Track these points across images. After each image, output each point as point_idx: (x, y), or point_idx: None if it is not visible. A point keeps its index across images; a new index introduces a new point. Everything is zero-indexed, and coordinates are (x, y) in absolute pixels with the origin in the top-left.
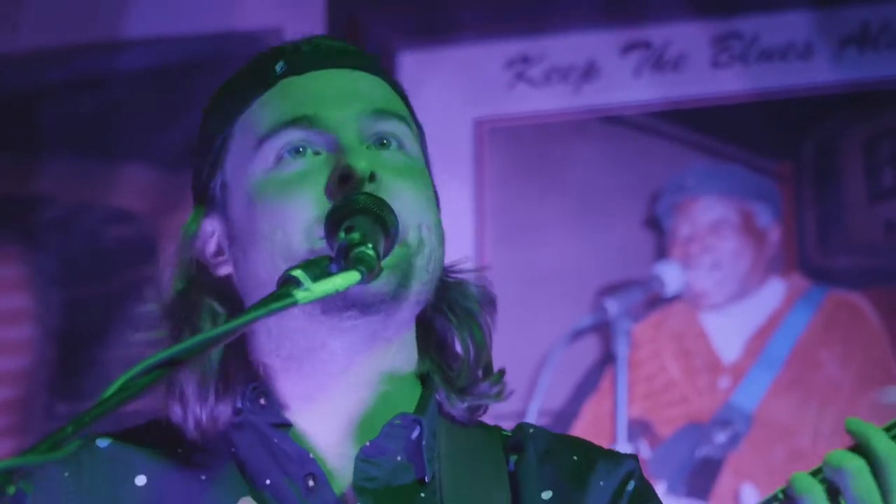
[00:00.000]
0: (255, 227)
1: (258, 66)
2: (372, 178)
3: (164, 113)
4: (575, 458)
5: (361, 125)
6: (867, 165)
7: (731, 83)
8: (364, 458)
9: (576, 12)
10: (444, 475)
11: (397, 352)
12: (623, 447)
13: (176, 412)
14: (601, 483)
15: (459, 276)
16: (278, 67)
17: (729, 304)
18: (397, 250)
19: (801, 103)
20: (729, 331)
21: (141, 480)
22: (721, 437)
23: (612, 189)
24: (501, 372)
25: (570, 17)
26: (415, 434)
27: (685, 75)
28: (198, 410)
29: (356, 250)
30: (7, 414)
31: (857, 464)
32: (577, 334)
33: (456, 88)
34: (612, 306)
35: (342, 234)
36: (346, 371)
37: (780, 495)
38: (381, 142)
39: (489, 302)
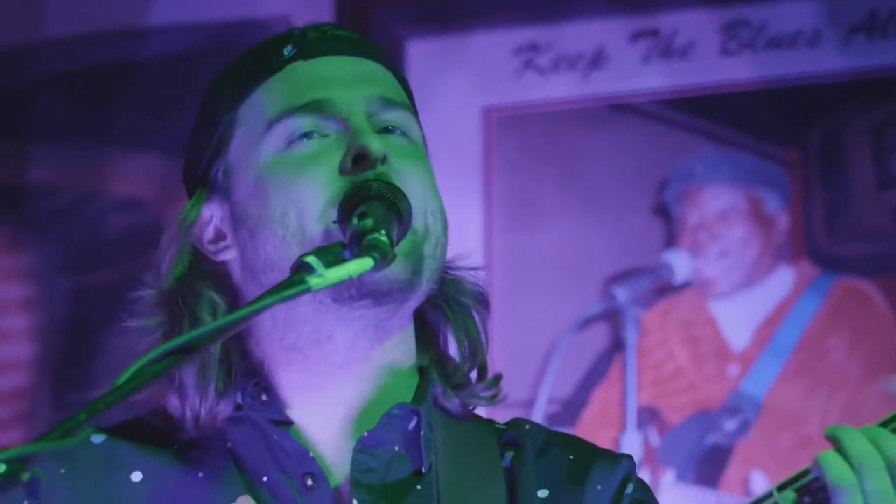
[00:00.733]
0: (266, 209)
1: (263, 51)
2: (384, 160)
3: (170, 101)
4: (571, 457)
5: (371, 109)
6: (875, 152)
7: (739, 71)
8: (362, 448)
9: (584, 0)
10: (441, 467)
11: (398, 344)
12: (632, 434)
13: (174, 404)
14: (598, 487)
15: (457, 272)
16: (286, 52)
17: (737, 292)
18: (409, 237)
19: (810, 91)
20: (738, 318)
21: (137, 476)
22: (730, 425)
23: (621, 177)
24: (497, 377)
25: (578, 5)
26: (412, 424)
27: (693, 63)
28: (197, 405)
29: (369, 237)
30: (14, 403)
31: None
32: (586, 322)
33: (464, 77)
34: (621, 294)
35: (355, 221)
36: (350, 361)
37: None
38: (387, 128)
39: (484, 302)
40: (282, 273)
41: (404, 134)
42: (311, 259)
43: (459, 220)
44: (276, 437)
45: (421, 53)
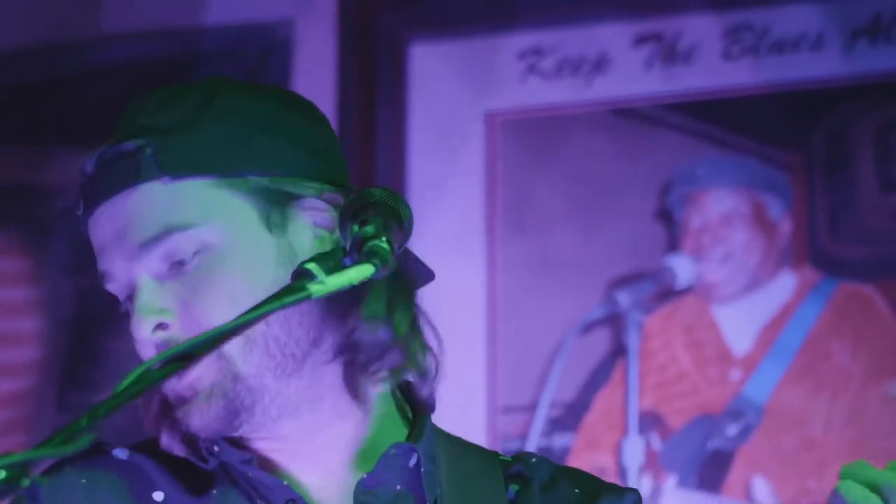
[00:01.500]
0: None
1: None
2: (164, 328)
3: None
4: (577, 490)
5: (145, 264)
6: (878, 156)
7: (742, 75)
8: (364, 489)
9: (587, 4)
10: (445, 502)
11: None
12: (634, 439)
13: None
14: None
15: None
16: (79, 210)
17: (740, 297)
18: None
19: (813, 94)
20: (740, 323)
21: (159, 496)
22: (733, 429)
23: (624, 181)
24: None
25: (581, 9)
26: (412, 462)
27: (696, 67)
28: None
29: (370, 243)
30: (17, 405)
31: None
32: (589, 326)
33: (467, 81)
34: (624, 298)
35: (356, 227)
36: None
37: None
38: (178, 263)
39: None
40: None
41: (196, 254)
42: (311, 266)
43: (462, 224)
44: (250, 474)
45: (424, 57)
